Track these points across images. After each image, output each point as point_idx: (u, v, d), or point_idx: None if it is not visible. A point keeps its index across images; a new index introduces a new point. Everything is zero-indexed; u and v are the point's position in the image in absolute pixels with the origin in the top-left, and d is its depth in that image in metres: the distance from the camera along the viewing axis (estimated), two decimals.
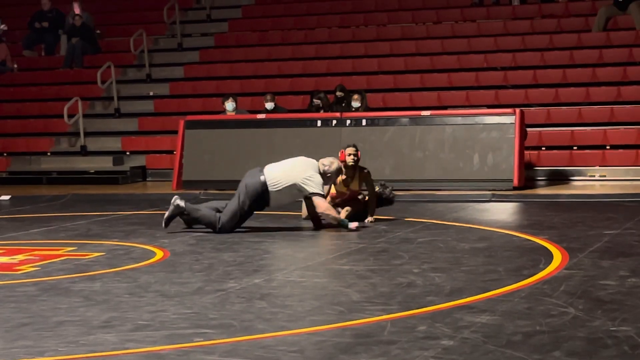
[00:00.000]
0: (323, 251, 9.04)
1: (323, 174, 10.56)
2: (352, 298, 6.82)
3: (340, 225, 10.44)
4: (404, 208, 12.81)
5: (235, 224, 10.47)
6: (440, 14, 20.63)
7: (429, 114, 15.51)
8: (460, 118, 15.33)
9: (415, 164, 15.12)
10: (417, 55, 19.45)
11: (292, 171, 10.48)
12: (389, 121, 15.53)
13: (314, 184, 10.39)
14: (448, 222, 11.26)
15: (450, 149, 15.04)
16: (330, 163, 10.67)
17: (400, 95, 18.31)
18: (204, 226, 10.59)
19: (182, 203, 10.58)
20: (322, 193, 10.46)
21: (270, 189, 10.34)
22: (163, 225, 10.62)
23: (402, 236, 10.10)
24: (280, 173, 10.42)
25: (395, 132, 15.37)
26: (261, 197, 10.36)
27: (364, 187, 11.45)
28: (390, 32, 20.43)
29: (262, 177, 10.38)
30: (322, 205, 10.40)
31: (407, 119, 15.49)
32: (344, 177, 11.22)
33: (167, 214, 10.64)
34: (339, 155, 11.14)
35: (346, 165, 11.15)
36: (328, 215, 10.42)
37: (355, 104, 16.42)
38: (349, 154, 11.21)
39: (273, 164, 10.63)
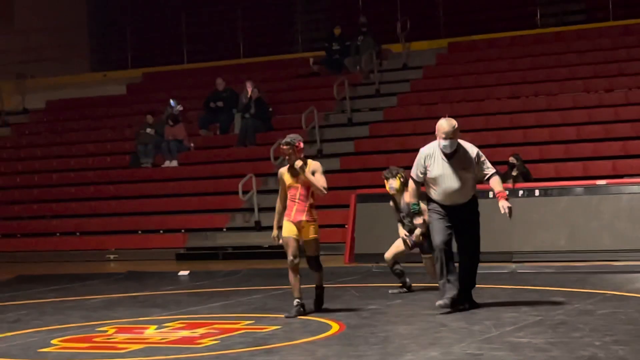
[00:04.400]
0: (499, 324, 8.91)
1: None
2: None
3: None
4: (581, 279, 12.54)
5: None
6: (613, 82, 20.28)
7: (604, 183, 15.19)
8: (637, 187, 14.95)
9: (591, 234, 14.79)
10: (589, 124, 19.15)
11: None
12: (563, 191, 15.28)
13: None
14: (628, 294, 10.94)
15: (628, 219, 14.66)
16: None
17: (574, 165, 18.02)
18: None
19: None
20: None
21: None
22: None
23: (581, 308, 9.87)
24: None
25: (570, 202, 15.10)
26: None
27: None
28: (562, 101, 20.19)
29: None
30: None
31: (582, 189, 15.21)
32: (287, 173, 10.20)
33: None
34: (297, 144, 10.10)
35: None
36: None
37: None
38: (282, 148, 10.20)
39: None
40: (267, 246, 18.61)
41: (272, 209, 19.70)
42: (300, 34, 26.72)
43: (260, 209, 19.48)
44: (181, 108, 23.03)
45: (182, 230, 20.22)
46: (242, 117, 22.15)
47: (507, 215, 9.75)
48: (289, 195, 10.19)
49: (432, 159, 9.78)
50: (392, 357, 7.54)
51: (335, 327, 9.20)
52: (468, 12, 25.30)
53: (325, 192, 10.10)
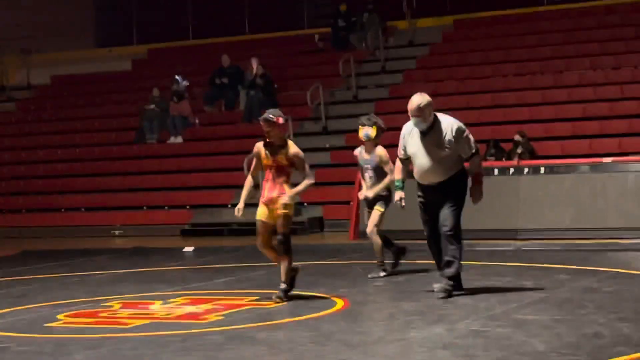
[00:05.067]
0: (505, 300, 8.91)
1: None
2: (538, 348, 6.70)
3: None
4: (586, 257, 12.53)
5: None
6: (620, 60, 20.21)
7: (610, 160, 15.16)
8: None
9: (596, 212, 14.76)
10: (595, 101, 19.10)
11: None
12: (569, 169, 15.25)
13: None
14: (633, 271, 10.93)
15: (634, 197, 14.63)
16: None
17: (579, 143, 18.00)
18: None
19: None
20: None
21: None
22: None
23: (586, 285, 9.86)
24: None
25: (575, 180, 15.07)
26: None
27: None
28: (568, 78, 20.13)
29: None
30: None
31: (587, 167, 15.19)
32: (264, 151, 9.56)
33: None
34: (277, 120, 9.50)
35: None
36: None
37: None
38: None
39: None
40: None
41: None
42: (305, 11, 26.62)
43: None
44: (187, 83, 22.98)
45: (187, 207, 20.22)
46: (247, 94, 22.12)
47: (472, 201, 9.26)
48: (264, 174, 9.71)
49: (410, 135, 9.33)
50: (397, 333, 7.55)
51: (340, 303, 9.21)
52: None
53: (313, 181, 9.61)
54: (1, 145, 24.31)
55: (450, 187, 9.22)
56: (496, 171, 15.55)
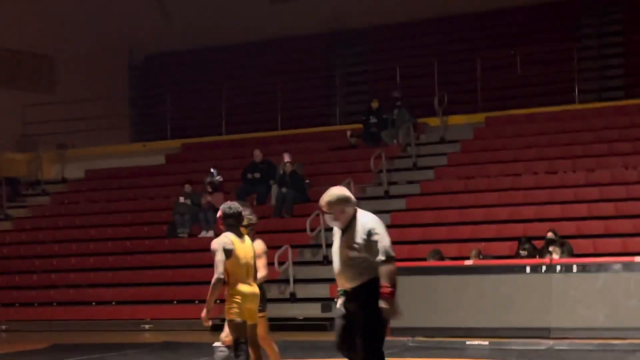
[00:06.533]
0: None
1: None
2: None
3: None
4: (620, 357, 12.36)
5: None
6: None
7: None
8: None
9: (630, 311, 14.60)
10: (628, 200, 19.04)
11: None
12: (601, 267, 15.14)
13: None
14: None
15: None
16: None
17: (612, 241, 17.90)
18: None
19: None
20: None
21: None
22: None
23: None
24: None
25: (608, 279, 14.95)
26: None
27: None
28: (600, 177, 20.11)
29: None
30: None
31: (620, 265, 15.08)
32: None
33: None
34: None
35: None
36: None
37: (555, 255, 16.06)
38: None
39: None
40: (302, 318, 18.55)
41: (309, 280, 19.86)
42: (338, 107, 26.90)
43: (296, 281, 19.46)
44: (221, 179, 23.15)
45: (218, 301, 20.09)
46: (279, 188, 22.23)
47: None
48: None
49: (335, 234, 8.26)
50: None
51: None
52: (505, 87, 25.40)
53: (215, 280, 9.49)
54: (34, 238, 24.47)
55: (363, 297, 7.99)
56: (528, 269, 15.45)
